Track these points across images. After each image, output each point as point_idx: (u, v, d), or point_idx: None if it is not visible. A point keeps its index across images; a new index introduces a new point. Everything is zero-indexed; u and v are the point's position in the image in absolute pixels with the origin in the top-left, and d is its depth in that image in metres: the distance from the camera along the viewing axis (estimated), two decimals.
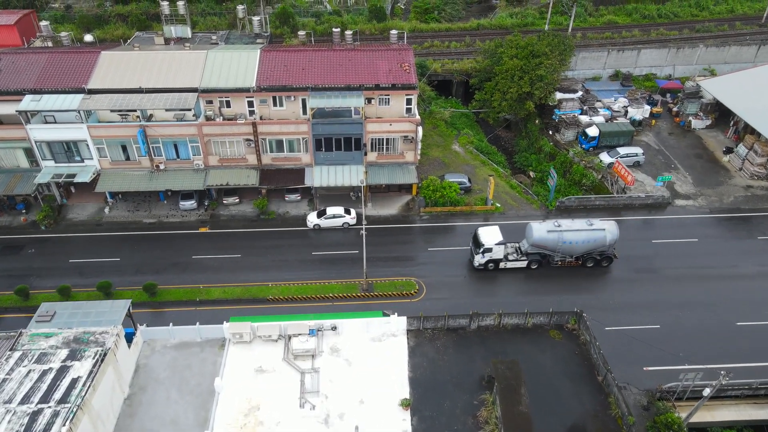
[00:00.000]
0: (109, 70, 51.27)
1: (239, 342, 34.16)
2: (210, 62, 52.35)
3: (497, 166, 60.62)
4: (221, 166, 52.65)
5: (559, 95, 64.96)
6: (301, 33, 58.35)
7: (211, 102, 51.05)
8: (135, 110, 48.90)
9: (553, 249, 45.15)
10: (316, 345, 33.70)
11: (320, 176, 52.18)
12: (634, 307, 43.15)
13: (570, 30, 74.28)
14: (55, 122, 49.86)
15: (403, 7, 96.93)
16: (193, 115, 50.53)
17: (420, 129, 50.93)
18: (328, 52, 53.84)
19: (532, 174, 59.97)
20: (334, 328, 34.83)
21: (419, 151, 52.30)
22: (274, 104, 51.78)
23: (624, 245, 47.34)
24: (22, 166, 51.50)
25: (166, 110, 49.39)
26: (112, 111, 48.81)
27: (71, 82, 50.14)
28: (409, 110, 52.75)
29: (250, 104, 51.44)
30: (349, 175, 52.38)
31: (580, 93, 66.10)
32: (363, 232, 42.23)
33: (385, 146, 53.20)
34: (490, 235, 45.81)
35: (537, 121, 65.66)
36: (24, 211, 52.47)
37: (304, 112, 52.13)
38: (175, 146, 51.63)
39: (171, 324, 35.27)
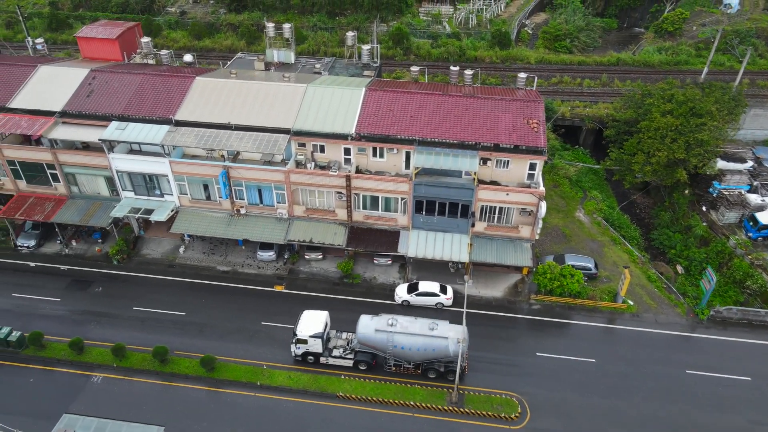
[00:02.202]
0: (201, 100, 46.61)
1: None
2: (308, 99, 46.19)
3: (631, 247, 49.65)
4: (307, 218, 46.43)
5: (721, 163, 52.64)
6: (414, 69, 50.72)
7: (303, 145, 44.89)
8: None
9: (383, 351, 37.28)
10: None
11: (417, 243, 44.42)
12: None
13: (739, 78, 60.93)
14: (140, 151, 46.00)
15: (530, 32, 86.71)
16: (282, 160, 44.62)
17: (543, 204, 41.58)
18: (442, 97, 45.80)
19: (680, 269, 48.31)
20: None
21: (539, 229, 42.97)
22: (374, 154, 44.67)
23: None
24: (103, 194, 48.29)
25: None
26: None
27: (160, 110, 46.00)
28: (531, 177, 43.60)
29: (347, 151, 44.69)
30: (450, 245, 44.21)
31: (750, 164, 53.21)
32: (461, 339, 33.89)
33: (496, 216, 44.44)
34: (310, 322, 38.39)
35: (687, 192, 53.63)
36: (100, 240, 49.38)
37: (407, 166, 44.61)
38: (259, 191, 46.07)
39: None
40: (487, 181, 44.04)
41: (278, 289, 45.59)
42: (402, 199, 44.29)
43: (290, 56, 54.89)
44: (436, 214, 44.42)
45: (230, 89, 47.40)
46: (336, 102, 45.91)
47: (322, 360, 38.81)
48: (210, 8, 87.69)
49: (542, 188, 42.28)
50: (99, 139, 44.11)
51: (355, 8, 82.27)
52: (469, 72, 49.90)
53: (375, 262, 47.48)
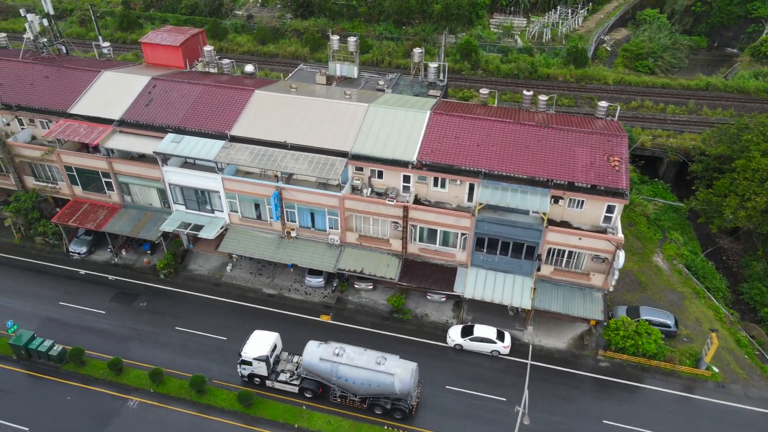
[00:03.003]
0: (258, 114, 44.82)
1: None
2: (369, 120, 43.54)
3: (717, 302, 44.33)
4: (359, 245, 43.81)
5: None
6: (484, 91, 47.10)
7: (360, 169, 42.28)
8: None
9: (327, 380, 35.60)
10: None
11: (475, 283, 40.94)
12: None
13: None
14: (194, 164, 44.65)
15: (609, 49, 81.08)
16: (338, 185, 42.16)
17: (622, 254, 37.18)
18: (513, 125, 42.07)
19: None
20: None
21: (614, 280, 38.58)
22: (435, 184, 41.54)
23: None
24: (155, 205, 47.36)
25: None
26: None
27: (217, 123, 44.51)
28: (608, 220, 39.30)
29: (406, 179, 41.75)
30: (511, 288, 40.48)
31: None
32: (522, 408, 30.22)
33: (565, 259, 40.39)
34: (258, 344, 37.02)
35: None
36: (149, 252, 48.51)
37: (470, 198, 41.23)
38: (312, 214, 43.83)
39: None
40: (558, 221, 40.08)
41: (324, 319, 43.19)
42: (462, 234, 40.93)
43: (353, 71, 52.45)
44: (498, 252, 40.81)
45: (289, 105, 45.40)
46: (398, 125, 43.03)
47: (268, 383, 37.40)
48: (277, 13, 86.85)
49: (621, 235, 37.90)
50: (153, 152, 43.05)
51: (424, 18, 79.24)
52: (543, 97, 45.86)
53: (428, 297, 44.32)
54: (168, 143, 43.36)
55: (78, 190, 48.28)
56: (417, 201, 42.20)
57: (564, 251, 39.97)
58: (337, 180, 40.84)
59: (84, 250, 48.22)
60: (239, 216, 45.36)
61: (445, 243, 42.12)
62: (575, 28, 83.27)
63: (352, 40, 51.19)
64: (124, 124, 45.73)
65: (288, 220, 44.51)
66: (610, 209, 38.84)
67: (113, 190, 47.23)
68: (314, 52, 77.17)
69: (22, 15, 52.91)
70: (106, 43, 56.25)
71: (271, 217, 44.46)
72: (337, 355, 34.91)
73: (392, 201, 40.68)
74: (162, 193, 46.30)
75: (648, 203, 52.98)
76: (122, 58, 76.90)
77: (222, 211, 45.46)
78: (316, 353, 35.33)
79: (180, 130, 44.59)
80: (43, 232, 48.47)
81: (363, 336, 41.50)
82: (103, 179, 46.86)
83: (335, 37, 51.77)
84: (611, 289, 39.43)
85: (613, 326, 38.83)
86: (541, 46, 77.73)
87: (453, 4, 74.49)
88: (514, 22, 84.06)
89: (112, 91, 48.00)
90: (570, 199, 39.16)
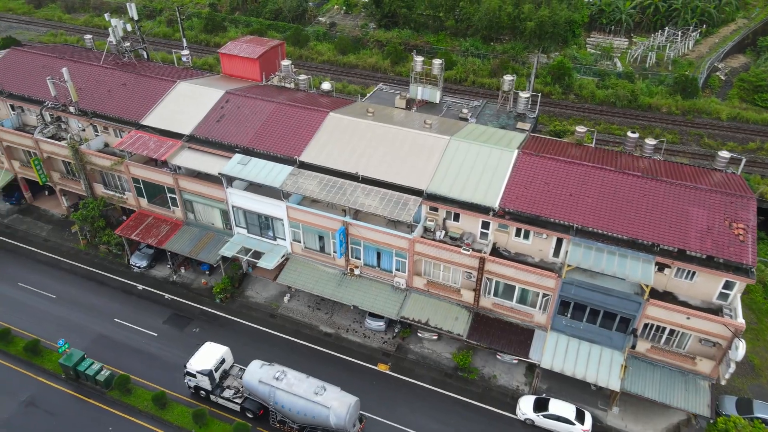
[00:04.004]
0: (330, 139, 41.80)
1: None
2: (449, 155, 39.47)
3: None
4: (426, 292, 39.84)
5: None
6: (581, 129, 41.71)
7: (435, 210, 38.29)
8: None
9: (266, 403, 34.40)
10: None
11: (554, 351, 35.95)
12: None
13: None
14: (260, 188, 42.19)
15: (723, 79, 72.49)
16: (408, 226, 38.36)
17: (742, 345, 31.07)
18: (614, 174, 36.66)
19: None
20: None
21: (729, 373, 32.39)
22: (517, 234, 36.90)
23: None
24: (217, 225, 45.44)
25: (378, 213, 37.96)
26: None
27: (286, 146, 41.89)
28: (723, 297, 33.24)
29: (485, 225, 37.36)
30: (597, 362, 35.19)
31: None
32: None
33: (665, 336, 34.63)
34: (205, 356, 36.39)
35: None
36: (207, 273, 46.71)
37: (556, 253, 36.31)
38: (378, 254, 40.31)
39: None
40: (661, 291, 34.39)
41: (382, 368, 39.54)
42: (544, 295, 36.05)
43: (436, 95, 48.44)
44: (584, 319, 35.63)
45: (364, 131, 42.08)
46: (481, 163, 38.68)
47: (212, 398, 36.69)
48: (360, 21, 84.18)
49: (741, 320, 31.76)
50: (219, 173, 40.95)
51: (514, 35, 73.92)
52: (651, 141, 40.00)
53: (498, 357, 39.72)
54: (234, 165, 41.13)
55: (144, 202, 47.22)
56: (495, 250, 37.74)
57: (665, 329, 34.27)
58: (408, 221, 37.02)
59: (144, 264, 47.09)
60: (302, 246, 42.55)
61: (522, 301, 37.39)
62: (684, 53, 75.19)
63: (437, 62, 47.19)
64: (193, 140, 44.05)
65: (352, 257, 41.23)
66: (728, 286, 32.81)
67: (177, 206, 45.74)
68: (395, 65, 73.75)
69: (107, 19, 52.62)
70: (186, 51, 55.24)
71: (334, 251, 41.34)
72: (277, 379, 33.86)
73: (468, 250, 36.37)
74: (225, 214, 44.27)
75: (766, 268, 45.68)
76: (203, 62, 76.78)
77: (284, 239, 42.82)
78: (256, 374, 34.28)
79: (248, 151, 42.33)
80: (107, 241, 47.79)
81: (421, 393, 37.57)
82: (168, 194, 45.45)
83: (419, 59, 47.95)
84: (723, 382, 33.27)
85: (722, 426, 32.72)
86: (643, 72, 70.53)
87: (548, 22, 68.80)
88: (613, 42, 77.08)
89: (185, 104, 46.55)
90: (678, 268, 33.43)
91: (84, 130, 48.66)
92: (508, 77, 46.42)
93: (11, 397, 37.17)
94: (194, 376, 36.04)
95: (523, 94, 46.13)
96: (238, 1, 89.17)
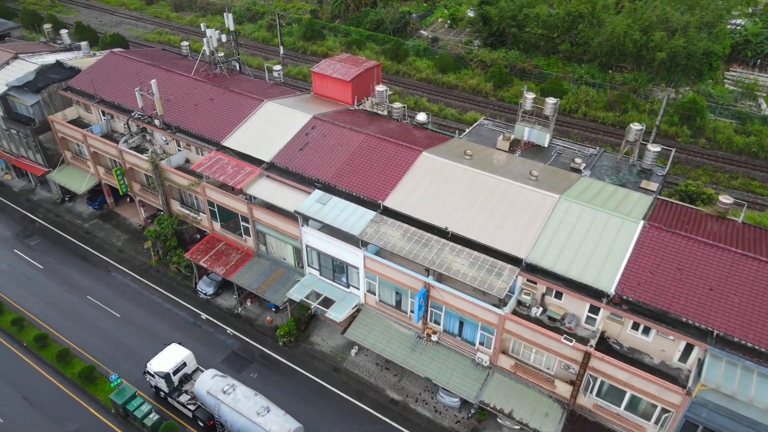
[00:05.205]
0: (420, 184, 37.00)
1: None
2: (556, 217, 33.44)
3: None
4: (512, 375, 34.07)
5: None
6: (725, 201, 34.01)
7: (534, 283, 32.44)
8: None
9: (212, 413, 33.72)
10: None
11: None
12: None
13: None
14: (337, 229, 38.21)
15: None
16: (501, 301, 32.75)
17: None
18: None
19: None
20: None
21: None
22: (634, 327, 30.30)
23: None
24: (288, 261, 42.02)
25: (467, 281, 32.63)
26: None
27: (371, 187, 37.56)
28: None
29: (594, 309, 31.07)
30: None
31: None
32: None
33: None
34: (167, 357, 36.31)
35: None
36: (274, 310, 43.43)
37: (683, 357, 29.39)
38: (461, 322, 35.04)
39: None
40: None
41: None
42: (664, 411, 29.23)
43: (545, 138, 42.25)
44: None
45: (459, 178, 36.88)
46: (595, 232, 32.34)
47: (170, 400, 36.44)
48: (464, 38, 78.65)
49: None
50: (294, 211, 37.31)
51: (639, 64, 65.46)
52: None
53: None
54: (312, 203, 37.31)
55: (217, 226, 44.73)
56: (603, 340, 31.33)
57: None
58: (501, 296, 31.39)
59: (211, 291, 44.63)
60: (376, 299, 38.09)
61: (633, 409, 30.71)
62: None
63: (550, 102, 40.99)
64: (272, 168, 40.81)
65: (431, 320, 36.23)
66: None
67: (249, 236, 42.78)
68: (498, 89, 67.71)
69: (202, 29, 50.79)
70: (278, 66, 52.42)
71: (411, 311, 36.52)
72: (224, 392, 33.33)
73: (570, 341, 30.26)
74: (297, 251, 40.70)
75: None
76: (298, 71, 74.53)
77: (358, 288, 38.56)
78: (206, 384, 33.96)
79: (329, 188, 38.43)
80: (177, 261, 45.82)
81: None
82: (242, 223, 42.58)
83: (530, 95, 41.94)
84: None
85: None
86: None
87: (682, 53, 59.95)
88: (759, 79, 66.51)
89: (270, 126, 43.47)
90: None
91: (168, 143, 46.97)
92: (635, 126, 39.33)
93: (58, 426, 35.51)
94: (153, 376, 36.12)
95: (653, 148, 38.87)
96: (340, 9, 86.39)
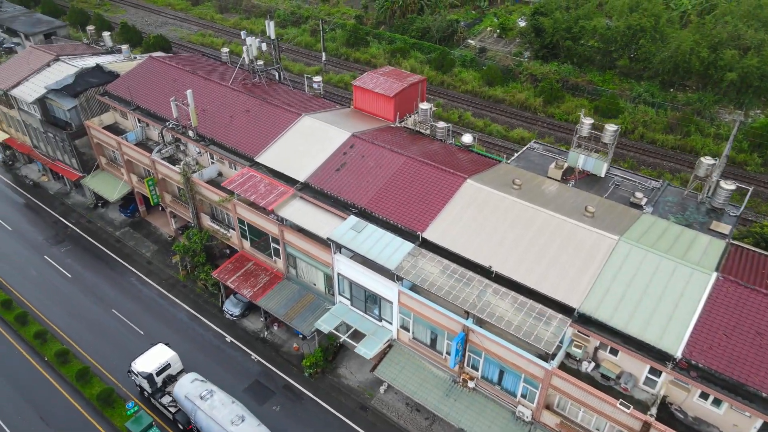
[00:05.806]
0: (463, 215, 34.07)
1: None
2: (615, 263, 30.02)
3: None
4: None
5: None
6: None
7: (586, 336, 29.09)
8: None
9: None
10: None
11: None
12: None
13: None
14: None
15: None
16: (548, 354, 29.52)
17: None
18: None
19: None
20: None
21: None
22: (702, 396, 26.68)
23: None
24: (318, 287, 39.71)
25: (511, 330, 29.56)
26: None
27: (409, 216, 34.83)
28: None
29: (655, 371, 27.57)
30: None
31: None
32: None
33: None
34: (150, 359, 36.00)
35: None
36: (301, 338, 41.19)
37: None
38: (501, 371, 31.95)
39: None
40: None
41: None
42: None
43: (602, 168, 38.65)
44: None
45: (505, 210, 33.80)
46: (660, 283, 28.80)
47: (153, 400, 36.29)
48: (514, 49, 74.99)
49: None
50: (327, 238, 34.92)
51: (705, 84, 60.62)
52: None
53: None
54: (346, 230, 34.83)
55: (247, 244, 42.83)
56: (665, 406, 27.78)
57: None
58: (549, 351, 28.20)
59: (237, 312, 42.74)
60: (410, 336, 35.36)
61: None
62: None
63: (610, 129, 37.39)
64: (306, 189, 38.56)
65: (468, 365, 33.28)
66: None
67: (280, 258, 40.68)
68: (548, 105, 63.94)
69: (242, 37, 49.03)
70: (318, 78, 50.19)
71: (447, 353, 33.66)
72: (201, 398, 33.33)
73: (628, 408, 26.85)
74: (329, 278, 38.33)
75: None
76: (339, 79, 72.39)
77: (391, 323, 35.92)
78: (184, 388, 34.11)
79: (365, 214, 35.90)
80: (205, 278, 44.17)
81: None
82: (272, 243, 40.51)
83: (587, 120, 38.43)
84: None
85: None
86: None
87: (756, 73, 54.99)
88: None
89: (306, 143, 41.26)
90: None
91: (201, 155, 45.37)
92: (707, 160, 35.38)
93: None
94: (137, 375, 36.01)
95: (727, 186, 34.82)
96: (385, 15, 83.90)
